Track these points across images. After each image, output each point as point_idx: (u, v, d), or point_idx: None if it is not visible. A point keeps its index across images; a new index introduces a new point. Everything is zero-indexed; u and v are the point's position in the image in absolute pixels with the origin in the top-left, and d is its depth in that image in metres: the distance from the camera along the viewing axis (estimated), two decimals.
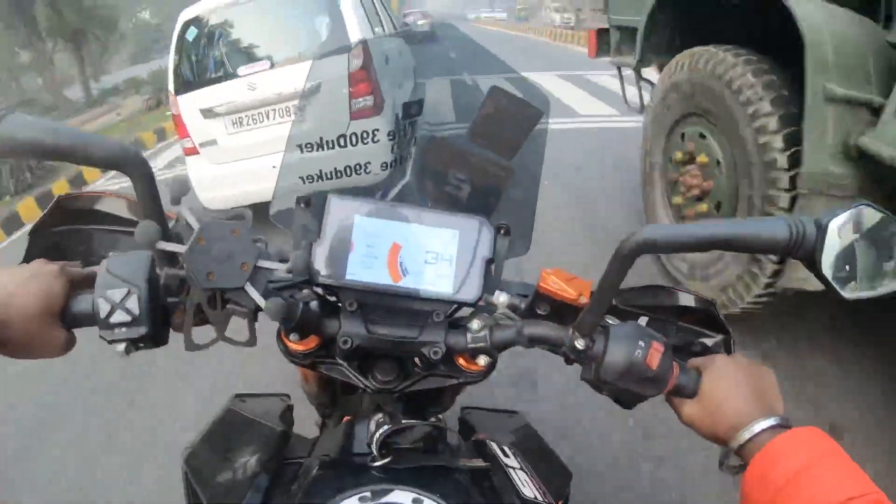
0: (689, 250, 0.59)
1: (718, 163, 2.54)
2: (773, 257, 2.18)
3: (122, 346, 0.61)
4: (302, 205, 0.73)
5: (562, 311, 0.69)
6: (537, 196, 0.82)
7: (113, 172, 0.71)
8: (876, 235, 0.58)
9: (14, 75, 22.84)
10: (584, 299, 0.67)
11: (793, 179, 2.11)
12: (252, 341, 0.64)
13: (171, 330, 0.66)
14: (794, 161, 2.10)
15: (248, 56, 4.06)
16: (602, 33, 4.03)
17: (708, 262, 2.66)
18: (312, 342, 0.70)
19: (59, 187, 7.55)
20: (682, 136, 2.80)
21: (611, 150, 5.53)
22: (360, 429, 0.73)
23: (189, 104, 4.06)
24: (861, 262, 0.58)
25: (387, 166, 0.80)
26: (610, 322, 0.69)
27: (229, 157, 4.09)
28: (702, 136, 2.64)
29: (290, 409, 0.88)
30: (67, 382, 2.95)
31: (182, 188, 0.63)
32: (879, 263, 0.58)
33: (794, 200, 2.12)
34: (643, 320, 0.72)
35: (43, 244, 0.74)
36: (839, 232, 0.56)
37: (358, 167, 0.79)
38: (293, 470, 0.72)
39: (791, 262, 2.12)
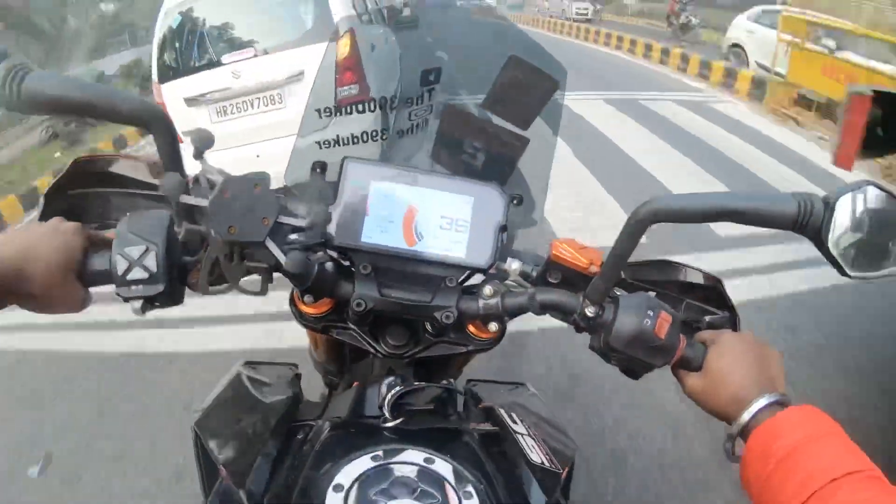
0: (699, 220, 0.60)
1: None
2: None
3: (138, 304, 0.61)
4: (318, 169, 0.73)
5: (573, 281, 0.71)
6: (551, 167, 0.83)
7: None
8: (883, 215, 0.58)
9: None
10: (595, 268, 0.68)
11: None
12: (264, 290, 0.65)
13: (186, 289, 0.66)
14: None
15: (233, 44, 3.98)
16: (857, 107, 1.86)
17: None
18: (325, 305, 0.71)
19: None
20: None
21: None
22: (371, 392, 0.74)
23: (173, 93, 3.97)
24: (867, 242, 0.58)
25: (402, 134, 0.81)
26: (620, 294, 0.71)
27: (214, 145, 4.04)
28: None
29: (298, 377, 0.89)
30: None
31: (206, 142, 0.63)
32: (885, 243, 0.59)
33: None
34: (651, 294, 0.72)
35: (59, 206, 0.74)
36: (846, 210, 0.57)
37: (375, 133, 0.80)
38: (304, 431, 0.73)
39: None
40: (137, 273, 0.60)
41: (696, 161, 5.18)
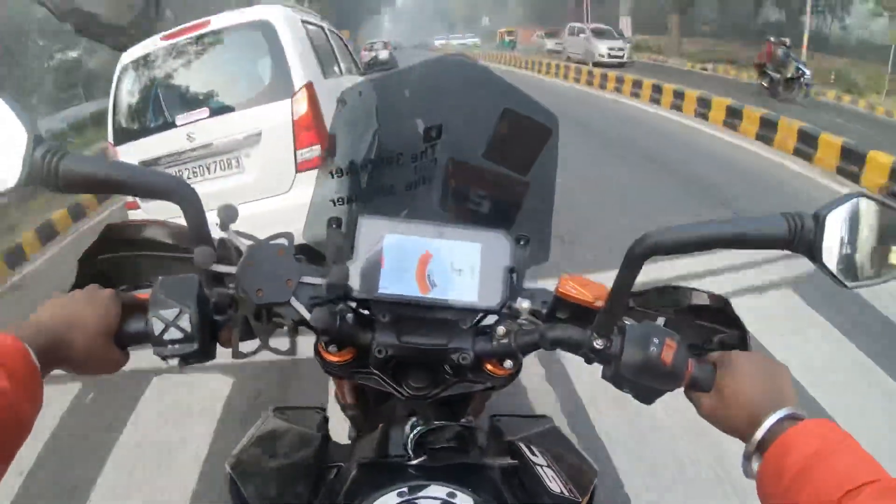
0: (694, 250, 0.63)
1: None
2: None
3: (175, 361, 0.67)
4: (333, 225, 0.78)
5: (581, 314, 0.74)
6: (553, 206, 0.88)
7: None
8: (876, 225, 0.59)
9: None
10: (601, 302, 0.71)
11: None
12: (292, 350, 0.69)
13: (217, 346, 0.71)
14: None
15: (187, 103, 3.69)
16: None
17: None
18: (348, 354, 0.75)
19: None
20: None
21: None
22: (395, 433, 0.77)
23: (128, 156, 3.67)
24: (862, 252, 0.59)
25: (411, 187, 0.86)
26: (627, 323, 0.73)
27: (172, 212, 3.91)
28: None
29: (325, 420, 0.92)
30: None
31: (231, 216, 0.67)
32: (881, 252, 0.60)
33: None
34: (661, 320, 0.76)
35: (91, 271, 0.79)
36: (837, 223, 0.58)
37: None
38: (333, 473, 0.76)
39: None
40: (173, 334, 0.66)
41: None
